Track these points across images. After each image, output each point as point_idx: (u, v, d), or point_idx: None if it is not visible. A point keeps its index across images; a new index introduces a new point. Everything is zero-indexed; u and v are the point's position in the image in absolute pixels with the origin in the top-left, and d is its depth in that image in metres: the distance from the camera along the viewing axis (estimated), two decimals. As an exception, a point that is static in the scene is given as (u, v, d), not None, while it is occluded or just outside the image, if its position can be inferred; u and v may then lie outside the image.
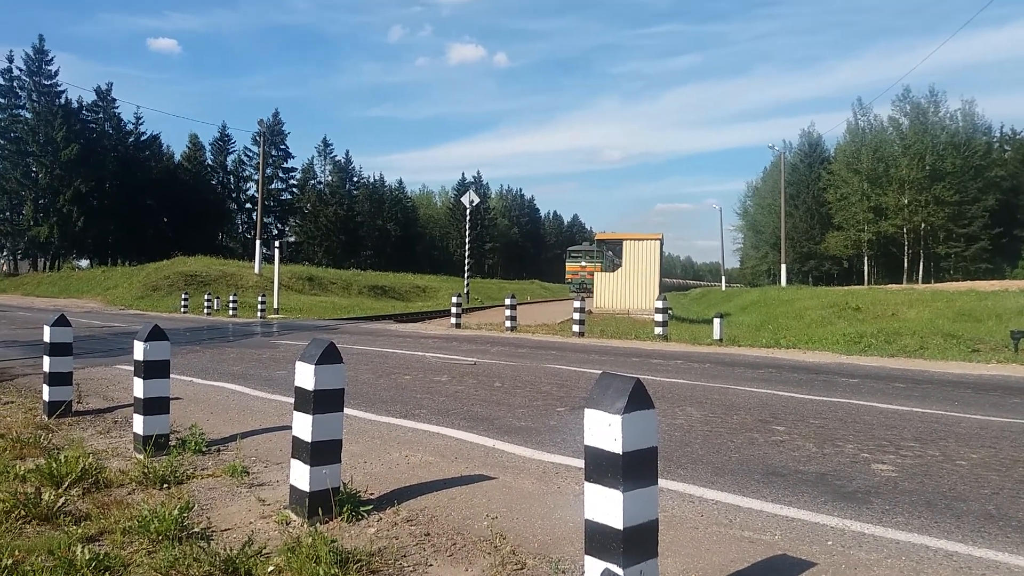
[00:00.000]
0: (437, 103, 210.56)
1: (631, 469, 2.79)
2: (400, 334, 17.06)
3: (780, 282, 50.49)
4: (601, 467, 2.82)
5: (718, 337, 15.27)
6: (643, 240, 27.65)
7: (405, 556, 3.53)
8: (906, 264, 65.18)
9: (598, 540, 2.81)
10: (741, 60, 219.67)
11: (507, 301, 18.54)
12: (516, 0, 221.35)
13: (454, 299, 20.20)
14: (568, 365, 10.71)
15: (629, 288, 27.31)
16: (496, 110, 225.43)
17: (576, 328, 16.56)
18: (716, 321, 15.70)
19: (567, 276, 56.92)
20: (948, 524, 3.96)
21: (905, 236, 64.58)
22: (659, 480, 2.97)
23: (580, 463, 4.91)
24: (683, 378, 9.45)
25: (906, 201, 62.99)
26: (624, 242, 28.52)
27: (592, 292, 36.63)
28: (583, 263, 55.36)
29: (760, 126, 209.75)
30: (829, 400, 7.87)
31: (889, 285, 47.29)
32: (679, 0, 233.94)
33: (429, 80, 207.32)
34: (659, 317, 16.25)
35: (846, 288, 39.67)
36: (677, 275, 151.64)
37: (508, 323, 18.16)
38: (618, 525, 2.75)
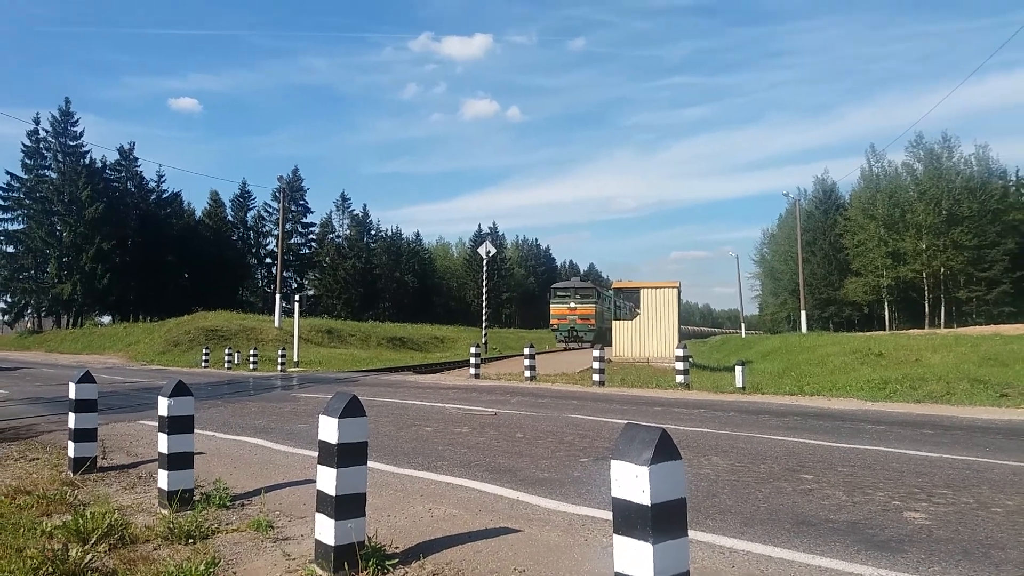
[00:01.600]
0: (452, 157, 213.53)
1: (660, 521, 2.77)
2: (419, 385, 17.04)
3: (800, 328, 50.11)
4: (630, 519, 2.80)
5: (741, 385, 15.14)
6: (661, 288, 27.62)
7: (432, 611, 3.49)
8: (927, 309, 64.46)
9: None
10: (754, 109, 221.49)
11: (526, 351, 18.52)
12: (528, 57, 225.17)
13: (472, 349, 20.19)
14: (590, 415, 10.63)
15: (648, 336, 27.17)
16: (511, 163, 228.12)
17: (596, 377, 16.47)
18: (738, 369, 15.58)
19: (552, 321, 49.55)
20: (986, 573, 3.87)
21: (925, 281, 63.98)
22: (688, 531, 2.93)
23: (606, 515, 4.87)
24: (707, 427, 9.36)
25: (924, 246, 62.59)
26: (642, 290, 28.46)
27: (581, 339, 37.54)
28: (571, 304, 48.23)
29: (774, 174, 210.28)
30: (857, 447, 7.75)
31: (911, 330, 46.73)
32: (691, 52, 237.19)
33: (444, 135, 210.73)
34: (680, 365, 16.15)
35: (867, 334, 39.30)
36: (696, 322, 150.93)
37: (527, 372, 18.10)
38: None
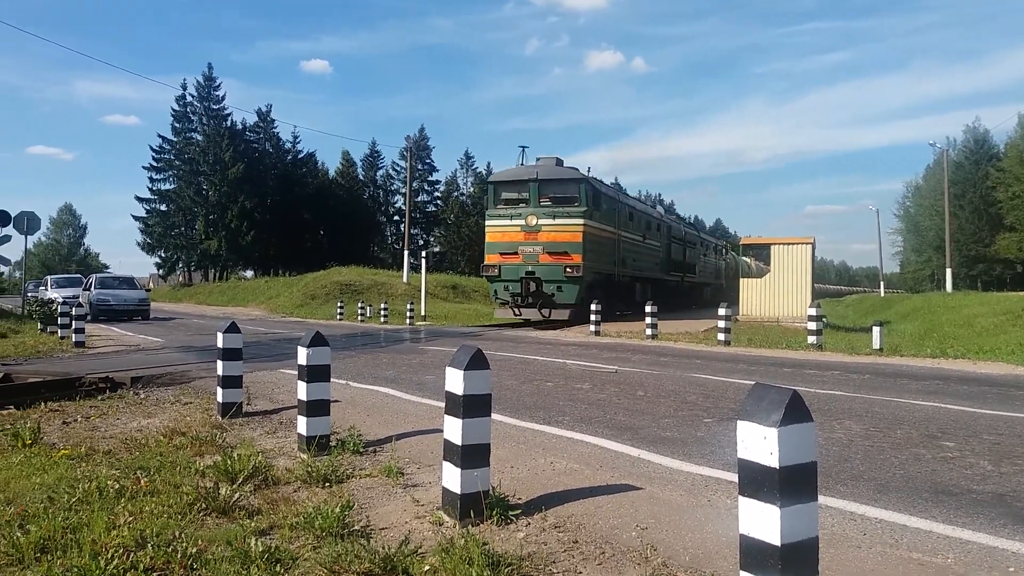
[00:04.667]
0: (575, 111, 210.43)
1: (789, 484, 2.69)
2: (540, 341, 17.21)
3: (945, 287, 46.87)
4: (756, 481, 2.74)
5: (878, 346, 14.38)
6: (793, 244, 26.44)
7: (554, 562, 3.56)
8: (1095, 266, 58.82)
9: (754, 556, 2.73)
10: (896, 55, 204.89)
11: (647, 308, 18.26)
12: (654, 5, 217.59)
13: (593, 306, 20.12)
14: (714, 375, 10.42)
15: (778, 295, 26.15)
16: (635, 116, 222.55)
17: (722, 336, 16.08)
18: (875, 329, 14.79)
19: (487, 258, 23.71)
20: None
21: (1092, 235, 58.31)
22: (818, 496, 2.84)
23: (731, 476, 4.79)
24: (840, 390, 8.98)
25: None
26: (772, 246, 27.34)
27: (553, 304, 21.58)
28: (531, 219, 22.60)
29: (918, 123, 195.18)
30: (1005, 415, 7.23)
31: (1075, 290, 42.79)
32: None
33: (566, 90, 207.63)
34: (812, 325, 15.50)
35: (1021, 294, 36.25)
36: (831, 280, 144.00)
37: (649, 331, 17.88)
38: (776, 541, 2.66)
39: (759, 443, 2.72)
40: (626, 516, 4.14)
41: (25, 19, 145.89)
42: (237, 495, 4.61)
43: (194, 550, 3.68)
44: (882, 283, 67.55)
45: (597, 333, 18.94)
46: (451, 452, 4.17)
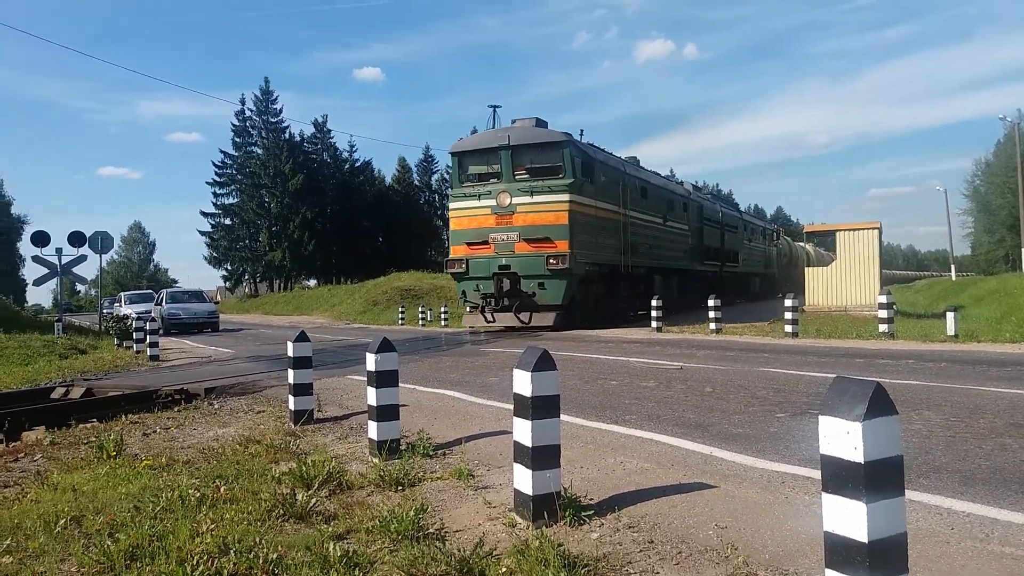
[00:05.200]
0: (627, 103, 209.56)
1: (874, 479, 2.62)
2: (601, 339, 17.11)
3: (1021, 268, 44.95)
4: (840, 477, 2.67)
5: (952, 332, 13.87)
6: (859, 230, 25.68)
7: (630, 563, 3.53)
8: None
9: (840, 554, 2.66)
10: (959, 25, 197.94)
11: (711, 302, 17.95)
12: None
13: (654, 302, 19.89)
14: (784, 368, 10.20)
15: (845, 283, 25.44)
16: (689, 104, 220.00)
17: (789, 328, 15.72)
18: (949, 315, 14.27)
19: (453, 252, 19.53)
20: None
21: None
22: (906, 491, 2.75)
23: (807, 472, 4.68)
24: (916, 379, 8.68)
25: None
26: (837, 233, 26.62)
27: (535, 307, 17.86)
28: (504, 197, 18.40)
29: (986, 96, 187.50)
30: (1099, 401, 6.89)
31: None
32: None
33: (616, 82, 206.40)
34: (883, 313, 15.05)
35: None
36: (898, 265, 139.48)
37: (712, 325, 17.58)
38: (862, 539, 2.59)
39: (842, 438, 2.65)
40: (701, 515, 4.08)
41: (91, 44, 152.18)
42: (313, 501, 4.70)
43: (275, 556, 3.77)
44: (953, 266, 65.06)
45: (659, 329, 18.74)
46: (521, 454, 4.17)
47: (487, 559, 3.57)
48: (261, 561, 3.70)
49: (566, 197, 18.02)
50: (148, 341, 16.44)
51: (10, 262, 74.02)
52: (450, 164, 20.93)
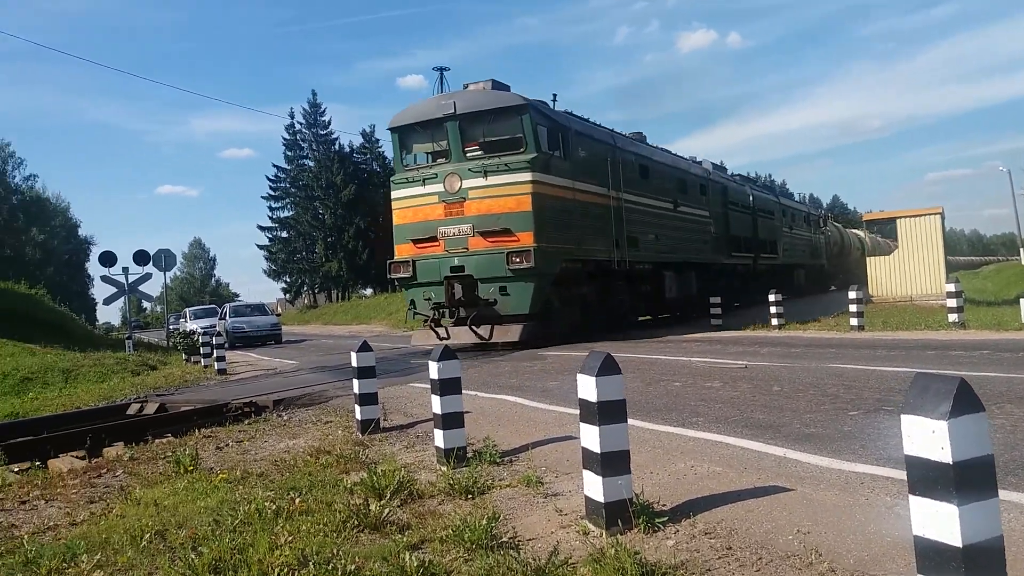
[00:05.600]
0: (672, 96, 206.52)
1: (965, 480, 2.52)
2: (659, 339, 16.93)
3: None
4: (928, 479, 2.58)
5: (1029, 320, 13.34)
6: (921, 216, 24.94)
7: (709, 570, 3.48)
8: None
9: (932, 559, 2.57)
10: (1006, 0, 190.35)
11: (771, 297, 17.59)
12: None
13: (712, 299, 19.59)
14: (853, 363, 9.93)
15: (909, 271, 24.70)
16: (735, 94, 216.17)
17: (854, 321, 15.30)
18: (1023, 301, 13.73)
19: (396, 252, 16.34)
20: None
21: None
22: (998, 493, 2.65)
23: (886, 472, 4.55)
24: (993, 370, 8.37)
25: None
26: (898, 220, 25.85)
27: (498, 318, 14.86)
28: (455, 182, 15.01)
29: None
30: None
31: None
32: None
33: (659, 76, 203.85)
34: (952, 302, 14.58)
35: None
36: (963, 251, 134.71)
37: (775, 320, 17.19)
38: (956, 543, 2.50)
39: (927, 437, 2.56)
40: (780, 519, 4.00)
41: (144, 67, 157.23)
42: (386, 511, 4.75)
43: (352, 567, 3.82)
44: (1022, 250, 62.62)
45: (719, 327, 18.46)
46: (590, 460, 4.15)
47: (562, 568, 3.57)
48: (340, 573, 3.76)
49: (527, 176, 14.50)
50: (215, 355, 16.88)
51: (80, 282, 76.85)
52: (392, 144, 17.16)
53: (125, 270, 25.31)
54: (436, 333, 15.43)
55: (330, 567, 3.83)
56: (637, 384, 9.36)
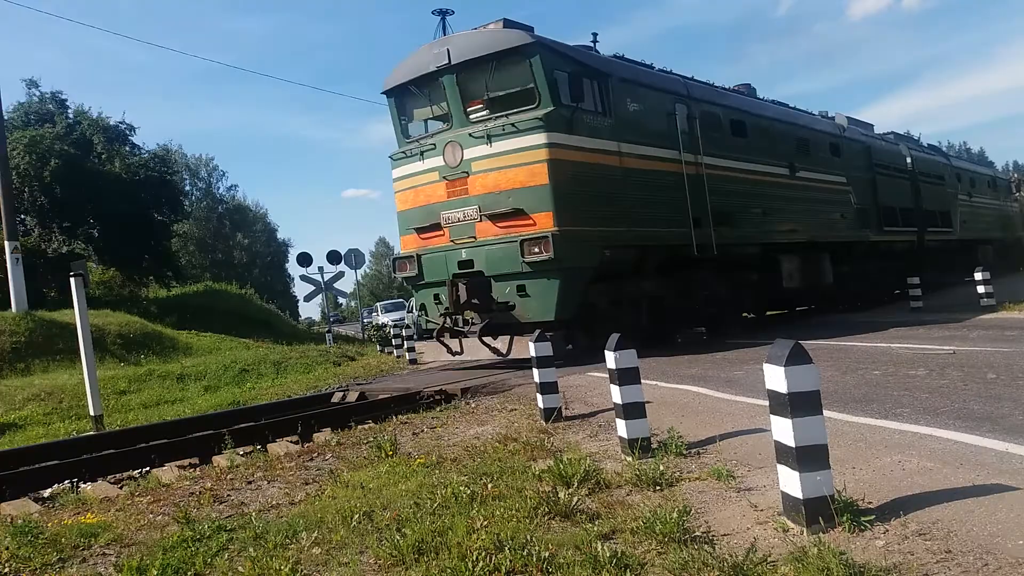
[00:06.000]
0: (846, 66, 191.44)
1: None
2: (851, 323, 15.88)
3: None
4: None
5: None
6: None
7: (926, 575, 3.24)
8: None
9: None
10: None
11: (977, 275, 15.88)
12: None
13: (911, 279, 18.08)
14: (1084, 347, 8.86)
15: None
16: (916, 60, 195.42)
17: (1083, 300, 13.60)
18: None
19: (402, 245, 13.32)
20: None
21: None
22: None
23: None
24: None
25: None
26: None
27: (520, 327, 11.56)
28: (462, 162, 11.80)
29: None
30: None
31: None
32: None
33: (831, 46, 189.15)
34: None
35: None
36: None
37: (983, 300, 15.54)
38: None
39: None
40: (1005, 521, 3.65)
41: (324, 79, 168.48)
42: (575, 499, 4.82)
43: (546, 554, 3.92)
44: None
45: (920, 308, 17.05)
46: (784, 454, 3.96)
47: (762, 565, 3.46)
48: (534, 559, 3.87)
49: (541, 139, 11.18)
50: (406, 346, 17.85)
51: (282, 282, 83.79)
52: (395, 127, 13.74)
53: (320, 269, 27.37)
54: (447, 347, 12.52)
55: (524, 552, 3.94)
56: (831, 372, 8.87)
